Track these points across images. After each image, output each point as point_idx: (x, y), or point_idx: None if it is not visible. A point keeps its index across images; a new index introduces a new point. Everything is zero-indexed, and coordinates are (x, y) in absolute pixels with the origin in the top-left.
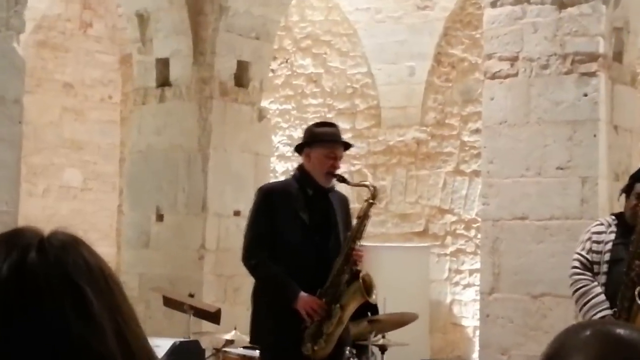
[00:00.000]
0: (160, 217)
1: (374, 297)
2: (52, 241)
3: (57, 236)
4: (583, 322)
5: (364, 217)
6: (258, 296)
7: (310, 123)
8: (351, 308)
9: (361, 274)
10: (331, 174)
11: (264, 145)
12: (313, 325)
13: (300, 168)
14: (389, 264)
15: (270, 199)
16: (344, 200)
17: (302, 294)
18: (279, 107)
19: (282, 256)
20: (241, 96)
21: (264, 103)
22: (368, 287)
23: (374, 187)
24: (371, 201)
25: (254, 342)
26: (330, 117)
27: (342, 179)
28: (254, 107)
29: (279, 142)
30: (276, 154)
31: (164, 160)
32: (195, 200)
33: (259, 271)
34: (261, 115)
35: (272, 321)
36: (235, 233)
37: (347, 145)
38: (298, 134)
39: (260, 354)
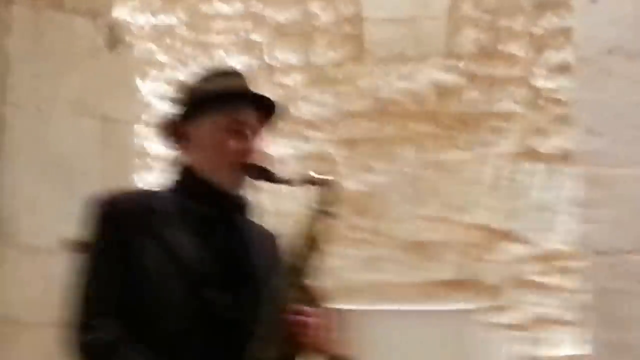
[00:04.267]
0: None
1: None
2: None
3: None
4: None
5: (307, 244)
6: None
7: (219, 55)
8: None
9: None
10: (242, 164)
11: (121, 100)
12: None
13: (178, 167)
14: (386, 345)
15: (117, 221)
16: (267, 237)
17: None
18: (153, 21)
19: (146, 333)
20: None
21: (120, 13)
22: None
23: (326, 182)
24: (319, 208)
25: None
26: (257, 40)
27: (262, 174)
28: (99, 21)
29: (153, 93)
30: (148, 118)
31: None
32: None
33: (95, 355)
34: (114, 37)
35: None
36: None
37: (266, 107)
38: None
39: None
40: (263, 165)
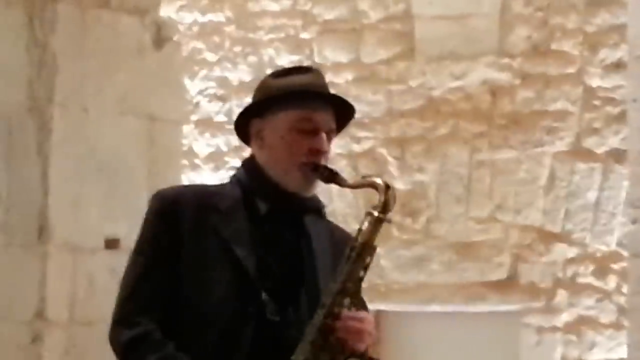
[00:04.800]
0: None
1: None
2: None
3: None
4: None
5: (362, 249)
6: None
7: (267, 53)
8: None
9: None
10: (312, 165)
11: (167, 99)
12: None
13: (248, 164)
14: (436, 348)
15: (174, 217)
16: (338, 237)
17: None
18: (200, 18)
19: (192, 334)
20: None
21: (167, 11)
22: None
23: (387, 186)
24: (377, 215)
25: None
26: (305, 38)
27: (331, 176)
28: (146, 19)
29: (200, 92)
30: (195, 117)
31: None
32: (22, 218)
33: (137, 354)
34: (161, 36)
35: None
36: (110, 286)
37: (343, 109)
38: (240, 77)
39: None
40: (332, 168)
